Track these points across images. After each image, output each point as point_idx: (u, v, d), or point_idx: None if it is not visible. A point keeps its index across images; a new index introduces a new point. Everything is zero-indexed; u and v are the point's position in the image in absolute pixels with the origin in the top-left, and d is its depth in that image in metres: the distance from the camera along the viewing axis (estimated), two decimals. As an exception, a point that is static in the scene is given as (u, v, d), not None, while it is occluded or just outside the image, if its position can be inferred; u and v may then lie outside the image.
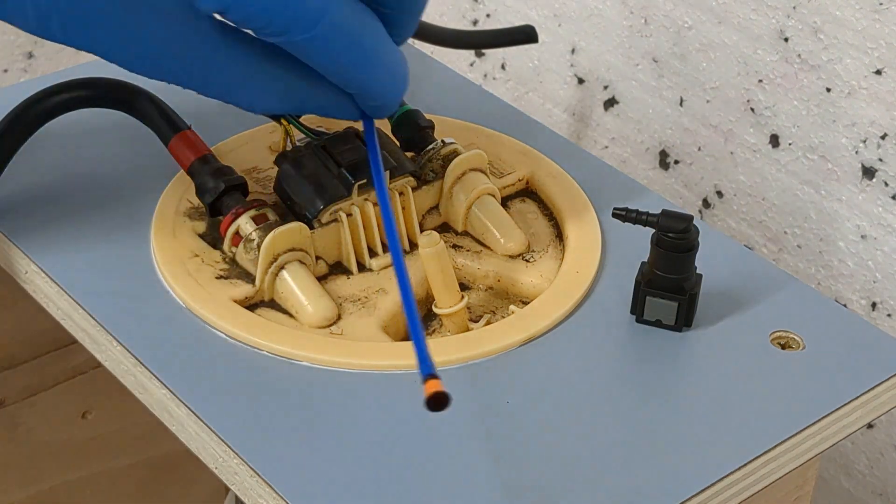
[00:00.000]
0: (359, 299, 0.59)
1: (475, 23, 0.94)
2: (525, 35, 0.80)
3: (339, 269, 0.61)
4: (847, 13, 0.72)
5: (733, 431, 0.53)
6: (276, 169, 0.61)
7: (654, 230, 0.56)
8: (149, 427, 0.84)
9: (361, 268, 0.60)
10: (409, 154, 0.64)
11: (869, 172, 0.74)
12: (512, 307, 0.59)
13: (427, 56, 0.77)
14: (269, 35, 0.49)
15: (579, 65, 0.87)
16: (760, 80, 0.78)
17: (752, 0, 0.77)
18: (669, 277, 0.56)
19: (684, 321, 0.57)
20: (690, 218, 0.56)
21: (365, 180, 0.60)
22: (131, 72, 0.52)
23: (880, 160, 0.74)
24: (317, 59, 0.51)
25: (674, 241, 0.56)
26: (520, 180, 0.66)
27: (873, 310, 0.77)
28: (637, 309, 0.57)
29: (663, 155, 0.84)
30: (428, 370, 0.46)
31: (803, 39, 0.75)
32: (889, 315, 0.76)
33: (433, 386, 0.45)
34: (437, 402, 0.45)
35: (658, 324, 0.57)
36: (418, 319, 0.49)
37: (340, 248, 0.60)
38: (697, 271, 0.57)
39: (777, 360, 0.56)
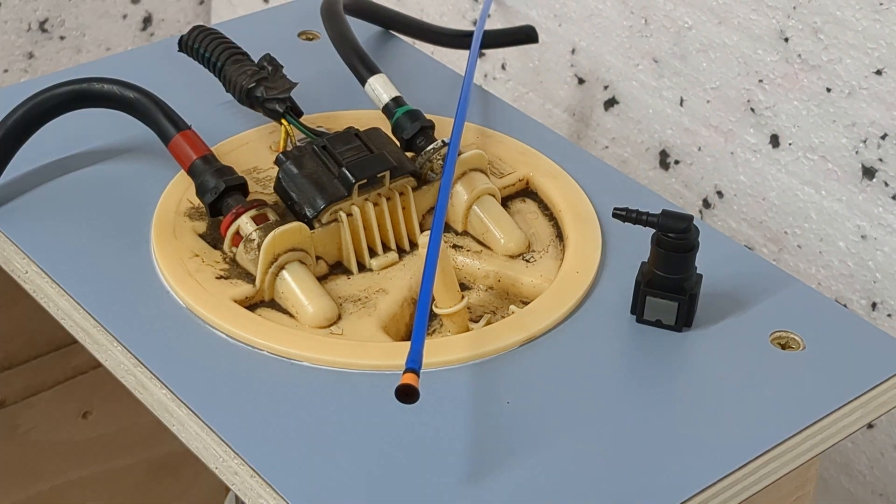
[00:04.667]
0: (359, 299, 0.59)
1: (475, 23, 0.94)
2: (525, 35, 0.80)
3: (339, 269, 0.61)
4: (847, 13, 0.72)
5: (733, 431, 0.53)
6: (277, 169, 0.61)
7: (654, 230, 0.56)
8: (149, 427, 0.84)
9: (361, 268, 0.60)
10: (409, 154, 0.63)
11: (869, 172, 0.74)
12: (512, 307, 0.59)
13: (427, 56, 0.77)
14: None
15: (579, 65, 0.86)
16: (760, 80, 0.78)
17: (752, 0, 0.77)
18: (670, 277, 0.56)
19: (684, 321, 0.57)
20: (690, 218, 0.56)
21: (365, 180, 0.60)
22: None
23: (880, 160, 0.74)
24: None
25: (674, 241, 0.56)
26: (520, 180, 0.66)
27: (873, 310, 0.76)
28: (637, 309, 0.57)
29: (663, 155, 0.84)
30: (412, 364, 0.49)
31: (803, 39, 0.75)
32: (889, 315, 0.76)
33: (408, 379, 0.48)
34: (405, 394, 0.48)
35: (658, 324, 0.57)
36: (426, 320, 0.51)
37: (341, 248, 0.60)
38: (697, 271, 0.57)
39: (777, 360, 0.56)
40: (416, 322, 0.51)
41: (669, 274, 0.56)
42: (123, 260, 0.60)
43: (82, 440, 0.84)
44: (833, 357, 0.57)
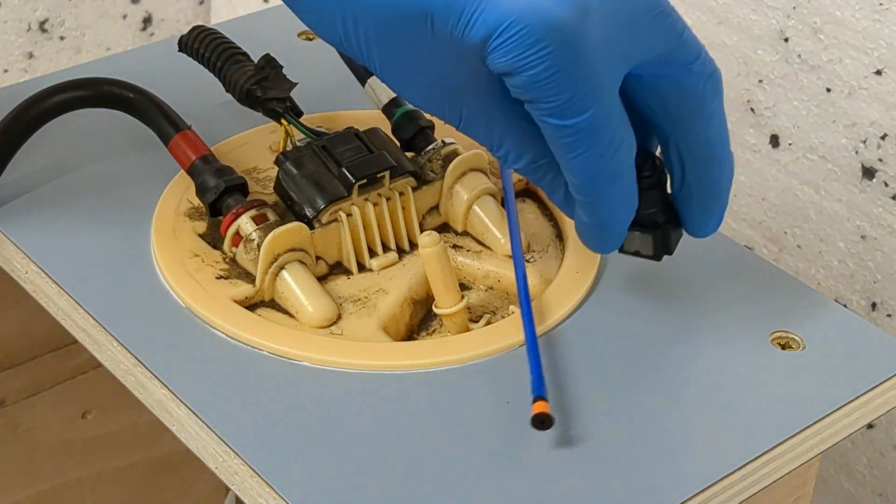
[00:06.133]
0: (359, 299, 0.59)
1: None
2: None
3: (339, 269, 0.61)
4: (847, 13, 0.72)
5: (733, 431, 0.53)
6: (276, 169, 0.61)
7: None
8: (149, 427, 0.84)
9: (361, 268, 0.60)
10: (409, 154, 0.64)
11: (869, 173, 0.74)
12: (512, 307, 0.59)
13: (427, 56, 0.77)
14: (541, 107, 0.50)
15: (579, 65, 0.86)
16: (760, 81, 0.78)
17: (752, 0, 0.77)
18: (642, 213, 0.56)
19: (663, 250, 0.57)
20: (652, 155, 0.56)
21: (365, 180, 0.60)
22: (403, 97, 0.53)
23: (880, 160, 0.74)
24: (565, 145, 0.51)
25: (640, 178, 0.56)
26: (520, 180, 0.66)
27: (873, 310, 0.77)
28: None
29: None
30: (539, 392, 0.51)
31: (803, 39, 0.75)
32: (889, 315, 0.76)
33: (539, 407, 0.51)
34: (542, 422, 0.51)
35: (638, 254, 0.57)
36: (538, 347, 0.54)
37: (340, 248, 0.60)
38: (672, 209, 0.57)
39: (777, 360, 0.56)
40: (529, 349, 0.53)
41: (642, 209, 0.56)
42: (123, 260, 0.60)
43: (82, 440, 0.84)
44: (833, 357, 0.57)
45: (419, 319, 0.60)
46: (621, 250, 0.58)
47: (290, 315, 0.58)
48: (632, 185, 0.54)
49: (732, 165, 0.56)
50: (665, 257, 0.58)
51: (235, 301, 0.58)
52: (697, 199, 0.55)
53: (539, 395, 0.51)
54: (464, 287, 0.61)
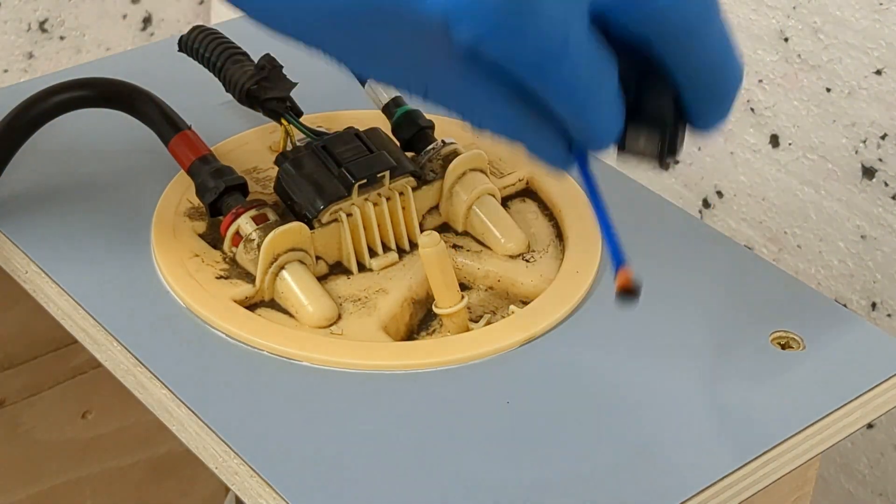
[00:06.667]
0: (359, 299, 0.59)
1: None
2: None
3: (339, 269, 0.61)
4: (847, 13, 0.72)
5: (733, 431, 0.53)
6: (276, 169, 0.61)
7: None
8: (149, 427, 0.84)
9: (361, 268, 0.60)
10: (409, 154, 0.64)
11: (869, 172, 0.74)
12: (512, 307, 0.59)
13: (427, 56, 0.77)
14: (514, 73, 0.48)
15: (579, 65, 0.86)
16: (760, 80, 0.78)
17: (752, 0, 0.77)
18: (651, 110, 0.52)
19: (669, 152, 0.52)
20: None
21: (365, 180, 0.60)
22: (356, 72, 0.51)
23: (880, 160, 0.74)
24: (549, 84, 0.49)
25: (648, 73, 0.53)
26: (520, 180, 0.66)
27: (873, 310, 0.77)
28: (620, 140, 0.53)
29: (663, 155, 0.84)
30: (620, 261, 0.47)
31: (803, 39, 0.75)
32: (889, 315, 0.76)
33: (623, 276, 0.47)
34: (628, 292, 0.47)
35: (642, 156, 0.52)
36: (608, 216, 0.50)
37: (340, 248, 0.60)
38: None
39: (777, 360, 0.56)
40: (601, 222, 0.50)
41: (649, 106, 0.52)
42: (123, 260, 0.60)
43: (82, 440, 0.84)
44: (833, 357, 0.57)
45: (419, 319, 0.60)
46: (623, 150, 0.53)
47: (290, 315, 0.58)
48: (619, 106, 0.51)
49: (741, 70, 0.52)
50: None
51: (235, 301, 0.58)
52: (704, 101, 0.52)
53: (621, 264, 0.47)
54: (464, 287, 0.61)
